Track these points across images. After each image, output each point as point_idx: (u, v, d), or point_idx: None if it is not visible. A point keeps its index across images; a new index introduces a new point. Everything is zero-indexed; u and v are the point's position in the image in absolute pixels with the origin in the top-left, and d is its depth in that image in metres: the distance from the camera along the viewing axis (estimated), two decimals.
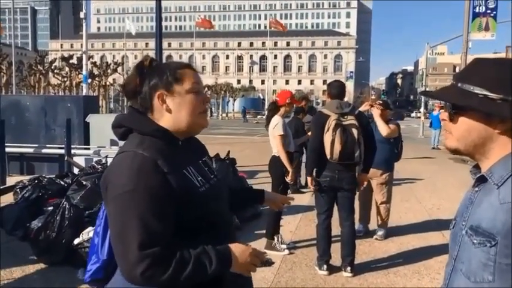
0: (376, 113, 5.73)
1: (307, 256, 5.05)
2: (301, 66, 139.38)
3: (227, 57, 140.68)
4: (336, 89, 4.57)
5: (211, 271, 1.37)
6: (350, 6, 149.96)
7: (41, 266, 4.55)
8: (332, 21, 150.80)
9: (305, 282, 4.40)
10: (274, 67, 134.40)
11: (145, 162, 1.40)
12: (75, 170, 7.23)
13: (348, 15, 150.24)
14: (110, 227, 1.42)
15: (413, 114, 79.10)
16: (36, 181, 5.92)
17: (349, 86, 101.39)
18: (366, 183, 5.05)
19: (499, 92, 1.11)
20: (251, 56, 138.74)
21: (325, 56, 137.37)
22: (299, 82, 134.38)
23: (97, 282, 1.60)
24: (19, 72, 44.39)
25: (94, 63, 46.33)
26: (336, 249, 4.67)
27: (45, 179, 6.06)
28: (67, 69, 42.82)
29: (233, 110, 62.95)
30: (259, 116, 55.16)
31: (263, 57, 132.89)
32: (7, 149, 8.94)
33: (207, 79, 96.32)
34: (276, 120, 5.15)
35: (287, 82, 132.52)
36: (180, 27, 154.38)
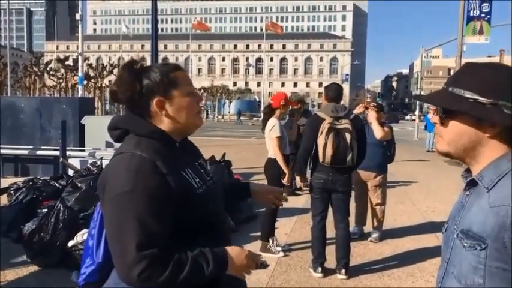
0: (372, 115, 5.75)
1: (302, 258, 5.05)
2: (297, 69, 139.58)
3: (223, 59, 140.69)
4: (333, 92, 4.58)
5: (208, 273, 1.38)
6: (346, 9, 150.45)
7: (35, 268, 4.53)
8: (328, 24, 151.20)
9: (300, 284, 4.41)
10: (270, 69, 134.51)
11: (144, 163, 1.40)
12: (70, 172, 7.22)
13: (344, 18, 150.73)
14: (107, 227, 1.41)
15: (407, 117, 79.29)
16: (30, 183, 5.91)
17: (345, 88, 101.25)
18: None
19: (489, 96, 1.12)
20: (247, 59, 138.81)
21: (321, 59, 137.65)
22: (295, 84, 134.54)
23: (91, 285, 1.59)
24: (14, 74, 44.20)
25: (90, 65, 46.25)
26: (330, 252, 4.68)
27: (40, 181, 6.05)
28: (62, 70, 42.71)
29: (229, 112, 62.97)
30: (254, 119, 55.20)
31: (259, 60, 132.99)
32: (1, 151, 8.91)
33: (203, 81, 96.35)
34: (273, 122, 5.17)
35: (283, 84, 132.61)
36: (176, 29, 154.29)
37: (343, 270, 4.50)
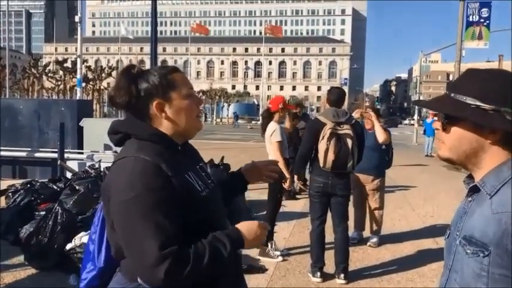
0: (374, 117, 5.75)
1: (301, 263, 5.04)
2: (296, 73, 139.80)
3: (222, 62, 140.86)
4: (335, 96, 4.58)
5: (227, 254, 1.40)
6: (345, 13, 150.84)
7: (33, 271, 4.51)
8: (327, 28, 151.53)
9: None
10: (269, 73, 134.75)
11: (148, 166, 1.40)
12: (68, 175, 7.20)
13: (343, 22, 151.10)
14: (121, 234, 1.40)
15: (405, 122, 79.44)
16: (28, 185, 5.89)
17: (345, 91, 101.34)
18: None
19: (491, 102, 1.12)
20: (246, 62, 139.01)
21: (320, 63, 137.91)
22: (293, 88, 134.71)
23: None
24: (13, 76, 44.18)
25: (88, 67, 46.27)
26: (329, 257, 4.67)
27: (38, 183, 6.02)
28: (61, 72, 42.76)
29: (227, 115, 63.01)
30: (253, 122, 55.22)
31: (258, 63, 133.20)
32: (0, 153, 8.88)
33: (202, 84, 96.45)
34: (273, 126, 5.17)
35: (282, 88, 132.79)
36: (175, 32, 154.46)
37: (342, 275, 4.49)
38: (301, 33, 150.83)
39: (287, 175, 5.08)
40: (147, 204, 1.36)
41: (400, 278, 4.74)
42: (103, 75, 45.35)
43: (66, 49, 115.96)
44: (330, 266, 4.66)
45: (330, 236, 4.70)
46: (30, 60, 44.62)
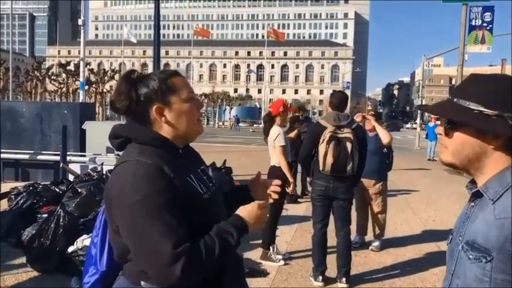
0: (373, 120, 5.79)
1: (303, 267, 5.03)
2: (298, 76, 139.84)
3: (224, 65, 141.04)
4: (338, 100, 4.58)
5: (235, 241, 1.43)
6: (347, 17, 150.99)
7: (35, 273, 4.51)
8: (329, 32, 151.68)
9: None
10: (271, 76, 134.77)
11: (151, 168, 1.41)
12: (71, 177, 7.21)
13: (345, 26, 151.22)
14: (131, 237, 1.40)
15: (407, 125, 79.29)
16: (31, 188, 5.90)
17: (348, 95, 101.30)
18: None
19: (495, 108, 1.12)
20: (248, 65, 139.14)
21: (322, 66, 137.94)
22: (296, 92, 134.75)
23: None
24: (16, 78, 44.38)
25: (91, 70, 46.40)
26: (332, 260, 4.66)
27: (40, 186, 6.04)
28: (64, 75, 42.85)
29: (229, 118, 63.10)
30: (255, 125, 55.25)
31: (260, 67, 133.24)
32: (2, 155, 8.89)
33: (204, 87, 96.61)
34: (277, 130, 5.17)
35: (284, 91, 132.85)
36: (178, 35, 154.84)
37: (343, 279, 4.48)
38: (304, 37, 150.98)
39: (290, 179, 5.08)
40: (154, 206, 1.36)
41: (402, 282, 4.72)
42: (106, 78, 45.44)
43: (69, 52, 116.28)
44: (332, 270, 4.65)
45: (332, 240, 4.69)
46: (33, 63, 44.73)
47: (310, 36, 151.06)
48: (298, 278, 4.77)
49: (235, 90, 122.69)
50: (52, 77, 43.90)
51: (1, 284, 4.28)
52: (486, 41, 18.82)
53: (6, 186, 7.50)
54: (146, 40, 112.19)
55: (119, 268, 1.52)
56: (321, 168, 4.40)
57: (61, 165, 8.29)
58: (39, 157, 9.53)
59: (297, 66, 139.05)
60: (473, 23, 18.73)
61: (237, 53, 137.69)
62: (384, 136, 5.78)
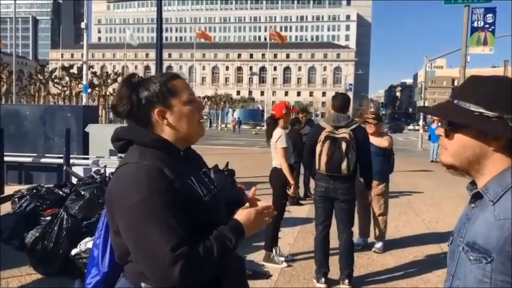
0: (371, 128, 5.86)
1: (305, 269, 5.03)
2: (301, 78, 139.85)
3: (227, 68, 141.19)
4: (340, 102, 4.61)
5: (233, 246, 1.44)
6: (349, 19, 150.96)
7: (38, 276, 4.53)
8: (332, 34, 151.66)
9: None
10: (273, 79, 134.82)
11: (151, 170, 1.42)
12: (74, 180, 7.23)
13: (348, 28, 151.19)
14: (131, 239, 1.41)
15: (410, 127, 79.14)
16: (34, 191, 5.91)
17: (350, 97, 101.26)
18: (370, 198, 5.15)
19: (495, 109, 1.12)
20: (251, 68, 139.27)
21: (325, 68, 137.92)
22: (298, 94, 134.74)
23: None
24: (19, 81, 44.53)
25: (94, 73, 46.56)
26: (334, 262, 4.66)
27: (44, 189, 6.04)
28: (67, 78, 43.01)
29: (232, 120, 63.17)
30: (258, 127, 55.26)
31: (263, 69, 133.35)
32: (5, 158, 8.93)
33: (207, 90, 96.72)
34: (279, 132, 5.19)
35: (286, 94, 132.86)
36: (181, 38, 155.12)
37: (346, 281, 4.48)
38: (306, 39, 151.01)
39: (291, 181, 5.09)
40: (154, 207, 1.37)
41: (405, 284, 4.72)
42: (109, 81, 45.59)
43: (72, 55, 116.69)
44: (334, 272, 4.64)
45: (334, 242, 4.69)
46: (37, 66, 44.95)
47: (312, 39, 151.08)
48: (300, 279, 4.77)
49: (238, 93, 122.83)
50: (55, 80, 44.07)
51: (5, 287, 4.30)
52: (488, 43, 18.78)
53: (9, 189, 7.53)
54: (149, 43, 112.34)
55: (120, 269, 1.53)
56: (317, 168, 4.45)
57: (64, 168, 8.31)
58: (43, 160, 9.56)
59: (300, 69, 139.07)
60: (475, 25, 18.69)
61: (239, 55, 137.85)
62: (380, 143, 5.83)
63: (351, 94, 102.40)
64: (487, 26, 18.69)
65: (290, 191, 5.17)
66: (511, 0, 20.06)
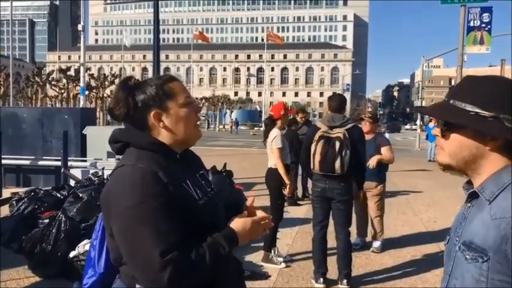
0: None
1: (304, 269, 5.04)
2: (298, 79, 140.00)
3: (224, 69, 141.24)
4: (336, 102, 4.63)
5: (226, 253, 1.43)
6: (346, 19, 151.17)
7: (36, 279, 4.52)
8: (329, 34, 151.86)
9: None
10: (271, 79, 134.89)
11: (146, 173, 1.42)
12: (72, 182, 7.22)
13: (345, 28, 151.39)
14: (122, 243, 1.42)
15: (407, 126, 79.23)
16: (32, 193, 5.89)
17: (346, 98, 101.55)
18: (361, 196, 5.16)
19: (491, 109, 1.13)
20: (248, 68, 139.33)
21: (322, 69, 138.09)
22: (296, 94, 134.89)
23: None
24: (16, 84, 44.46)
25: (92, 75, 46.47)
26: (333, 262, 4.67)
27: (42, 191, 6.03)
28: (64, 81, 42.90)
29: (230, 121, 63.15)
30: (256, 128, 55.24)
31: (260, 70, 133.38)
32: (3, 161, 8.91)
33: (205, 91, 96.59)
34: (275, 133, 5.21)
35: (284, 94, 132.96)
36: (178, 39, 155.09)
37: (344, 281, 4.48)
38: (303, 40, 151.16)
39: (287, 181, 5.11)
40: (147, 212, 1.37)
41: (403, 283, 4.72)
42: (106, 83, 45.49)
43: (69, 57, 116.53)
44: (333, 272, 4.65)
45: (332, 242, 4.70)
46: (34, 68, 44.83)
47: (309, 39, 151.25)
48: (299, 280, 4.77)
49: (236, 94, 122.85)
50: (52, 83, 43.94)
51: None
52: (485, 42, 18.85)
53: (7, 192, 7.52)
54: (146, 44, 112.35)
55: (116, 270, 1.54)
56: (312, 167, 4.47)
57: (62, 171, 8.30)
58: (41, 162, 9.54)
59: (297, 69, 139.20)
60: (472, 24, 18.76)
61: (236, 56, 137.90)
62: (390, 158, 5.89)
63: (348, 94, 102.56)
64: (483, 25, 18.76)
65: (286, 191, 5.18)
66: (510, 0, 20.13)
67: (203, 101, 64.12)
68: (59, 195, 5.88)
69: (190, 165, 1.64)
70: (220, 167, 7.50)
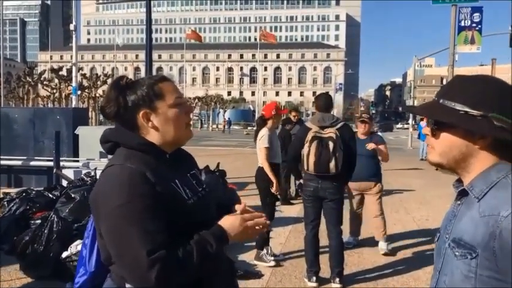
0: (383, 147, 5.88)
1: (297, 268, 5.05)
2: (291, 78, 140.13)
3: (217, 69, 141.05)
4: (323, 101, 4.65)
5: (214, 251, 1.43)
6: (339, 19, 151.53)
7: (28, 280, 4.50)
8: (321, 34, 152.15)
9: None
10: (264, 79, 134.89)
11: (134, 173, 1.43)
12: (64, 183, 7.18)
13: (337, 28, 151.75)
14: (110, 242, 1.43)
15: (399, 125, 79.54)
16: (24, 194, 5.86)
17: (339, 98, 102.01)
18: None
19: (480, 108, 1.14)
20: (241, 68, 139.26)
21: (315, 68, 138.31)
22: (289, 94, 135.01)
23: None
24: (7, 84, 44.05)
25: (84, 75, 46.17)
26: (325, 261, 4.68)
27: (33, 192, 6.00)
28: (56, 81, 42.59)
29: (223, 121, 63.06)
30: (249, 128, 55.21)
31: (253, 69, 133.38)
32: None
33: (198, 91, 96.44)
34: (262, 132, 5.25)
35: (277, 94, 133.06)
36: (171, 39, 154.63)
37: (337, 279, 4.50)
38: (296, 39, 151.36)
39: (273, 179, 5.13)
40: (134, 211, 1.38)
41: (396, 281, 4.76)
42: (98, 82, 45.23)
43: (61, 57, 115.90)
44: (326, 271, 4.67)
45: (325, 241, 4.72)
46: (25, 68, 44.49)
47: (302, 39, 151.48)
48: (292, 279, 4.79)
49: (229, 93, 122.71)
50: (44, 83, 43.60)
51: None
52: (475, 41, 18.99)
53: None
54: (138, 44, 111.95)
55: (107, 269, 1.54)
56: (305, 168, 4.47)
57: (54, 171, 8.25)
58: (33, 163, 9.48)
59: (290, 69, 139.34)
60: (463, 24, 18.89)
61: (229, 56, 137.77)
62: (385, 156, 5.87)
63: (341, 94, 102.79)
64: (474, 25, 18.89)
65: (273, 189, 5.19)
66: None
67: (196, 100, 64.00)
68: (51, 195, 5.85)
69: (182, 165, 1.64)
70: (213, 166, 7.50)
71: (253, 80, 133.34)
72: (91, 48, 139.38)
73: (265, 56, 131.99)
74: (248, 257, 5.29)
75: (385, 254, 5.61)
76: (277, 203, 6.57)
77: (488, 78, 1.25)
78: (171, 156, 1.59)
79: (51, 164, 8.63)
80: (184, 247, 1.39)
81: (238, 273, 4.34)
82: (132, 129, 1.56)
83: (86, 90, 43.11)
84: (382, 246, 5.71)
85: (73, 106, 19.13)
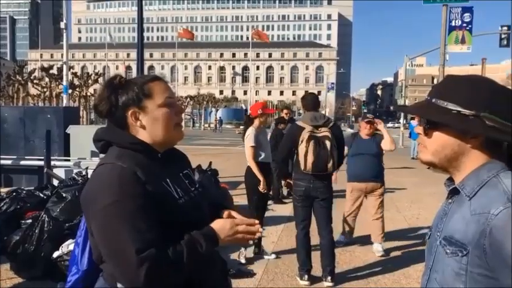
0: (382, 126, 5.81)
1: (289, 267, 5.07)
2: (283, 77, 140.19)
3: (209, 68, 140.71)
4: (310, 101, 4.70)
5: (204, 251, 1.44)
6: (331, 18, 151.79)
7: (19, 280, 4.47)
8: (313, 33, 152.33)
9: None
10: (256, 78, 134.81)
11: (124, 172, 1.43)
12: (55, 182, 7.13)
13: (329, 27, 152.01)
14: (100, 241, 1.43)
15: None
16: (14, 194, 5.81)
17: (330, 97, 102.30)
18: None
19: (472, 108, 1.15)
20: (233, 67, 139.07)
21: (307, 67, 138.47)
22: (281, 93, 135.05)
23: None
24: None
25: (75, 74, 45.89)
26: (316, 260, 4.70)
27: (24, 192, 5.94)
28: (47, 79, 42.28)
29: (215, 120, 62.94)
30: (241, 127, 55.12)
31: (245, 68, 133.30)
32: None
33: (190, 90, 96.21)
34: (249, 131, 5.27)
35: (269, 93, 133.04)
36: (162, 37, 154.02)
37: (329, 278, 4.53)
38: (288, 38, 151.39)
39: (260, 178, 5.14)
40: (123, 210, 1.38)
41: (387, 279, 4.79)
42: (89, 81, 44.97)
43: (51, 55, 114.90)
44: (317, 269, 4.69)
45: (316, 239, 4.73)
46: (15, 67, 44.16)
47: (294, 38, 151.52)
48: (284, 277, 4.80)
49: (221, 92, 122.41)
50: (34, 81, 43.27)
51: None
52: (466, 41, 19.15)
53: None
54: (130, 43, 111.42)
55: (99, 268, 1.54)
56: (302, 168, 4.46)
57: (45, 170, 8.18)
58: (23, 162, 9.40)
59: (282, 68, 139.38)
60: (453, 24, 19.05)
61: (222, 54, 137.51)
62: (391, 144, 5.71)
63: (333, 93, 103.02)
64: (464, 25, 19.05)
65: (260, 188, 5.20)
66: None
67: (188, 99, 63.83)
68: (42, 195, 5.81)
69: (174, 164, 1.64)
70: (206, 165, 7.49)
71: (245, 79, 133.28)
72: (82, 47, 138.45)
73: (258, 55, 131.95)
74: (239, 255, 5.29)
75: (381, 256, 5.57)
76: (270, 201, 6.58)
77: (480, 78, 1.26)
78: (163, 156, 1.59)
79: (42, 163, 8.56)
80: (175, 246, 1.40)
81: (230, 273, 4.34)
82: (123, 128, 1.56)
83: (77, 89, 42.84)
84: (378, 248, 5.68)
85: (64, 105, 19.01)
